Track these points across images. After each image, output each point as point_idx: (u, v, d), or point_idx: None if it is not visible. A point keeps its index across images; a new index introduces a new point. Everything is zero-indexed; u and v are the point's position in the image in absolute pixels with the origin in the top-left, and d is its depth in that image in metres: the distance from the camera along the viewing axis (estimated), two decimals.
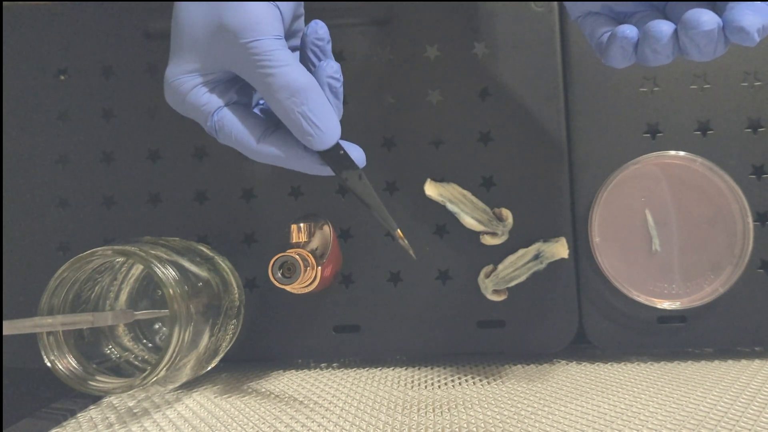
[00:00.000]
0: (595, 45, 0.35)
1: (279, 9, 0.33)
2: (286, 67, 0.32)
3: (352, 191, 0.35)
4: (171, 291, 0.35)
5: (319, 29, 0.35)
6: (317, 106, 0.32)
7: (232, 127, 0.35)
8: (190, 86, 0.34)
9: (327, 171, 0.35)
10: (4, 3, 0.48)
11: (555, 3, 0.45)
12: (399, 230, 0.36)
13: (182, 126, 0.47)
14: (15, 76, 0.48)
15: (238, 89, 0.35)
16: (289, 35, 0.37)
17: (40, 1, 0.48)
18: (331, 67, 0.34)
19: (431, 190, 0.44)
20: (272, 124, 0.35)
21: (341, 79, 0.35)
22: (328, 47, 0.35)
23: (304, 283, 0.38)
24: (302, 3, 0.37)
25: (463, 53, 0.46)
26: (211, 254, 0.43)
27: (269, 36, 0.32)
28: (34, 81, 0.48)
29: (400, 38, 0.46)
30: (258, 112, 0.36)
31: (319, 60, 0.35)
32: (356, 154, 0.35)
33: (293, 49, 0.37)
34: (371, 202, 0.35)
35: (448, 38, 0.46)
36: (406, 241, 0.37)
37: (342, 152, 0.34)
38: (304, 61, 0.35)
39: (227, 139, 0.35)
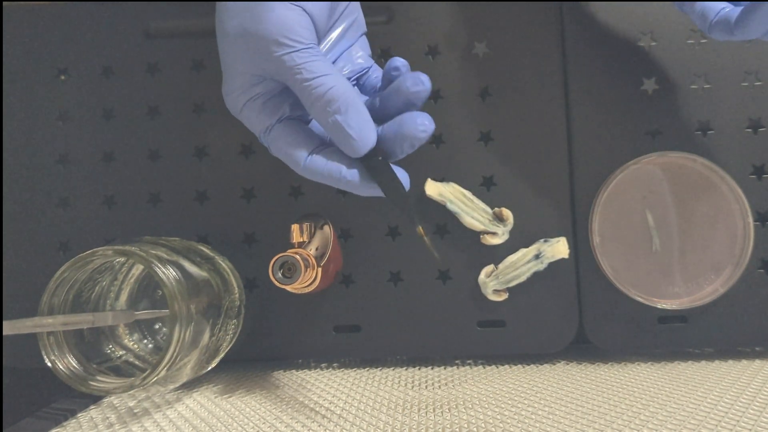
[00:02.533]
0: (712, 24, 0.34)
1: (308, 13, 0.32)
2: (320, 77, 0.31)
3: (389, 198, 0.34)
4: (171, 291, 0.35)
5: (424, 80, 0.33)
6: (350, 113, 0.31)
7: (281, 145, 0.34)
8: (242, 101, 0.34)
9: (374, 191, 0.34)
10: (4, 3, 0.48)
11: (555, 3, 0.45)
12: (421, 228, 0.35)
13: (182, 126, 0.47)
14: (15, 76, 0.48)
15: (292, 102, 0.35)
16: (331, 26, 0.36)
17: (40, 1, 0.48)
18: (423, 126, 0.32)
19: (431, 189, 0.44)
20: (320, 143, 0.34)
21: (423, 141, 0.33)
22: (425, 95, 0.34)
23: (305, 283, 0.38)
24: None
25: (463, 53, 0.46)
26: (211, 254, 0.43)
27: (299, 47, 0.31)
28: (34, 81, 0.48)
29: (400, 38, 0.46)
30: (315, 129, 0.36)
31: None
32: (401, 176, 0.34)
33: (339, 41, 0.36)
34: (402, 202, 0.34)
35: (448, 38, 0.46)
36: (428, 243, 0.36)
37: (380, 158, 0.33)
38: (384, 89, 0.34)
39: (279, 156, 0.35)
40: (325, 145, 0.34)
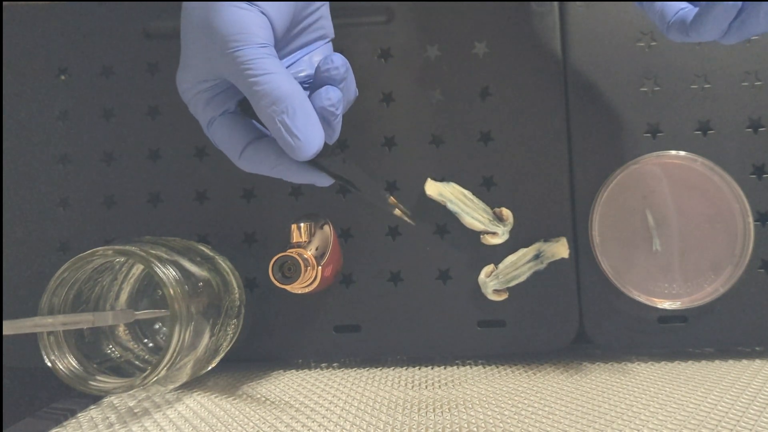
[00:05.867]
0: (670, 24, 0.34)
1: (267, 15, 0.33)
2: (268, 75, 0.31)
3: (339, 178, 0.35)
4: (171, 291, 0.35)
5: (335, 59, 0.33)
6: (297, 115, 0.31)
7: (220, 137, 0.35)
8: (191, 94, 0.35)
9: (305, 179, 0.35)
10: (4, 3, 0.48)
11: (555, 3, 0.45)
12: (392, 197, 0.37)
13: (182, 126, 0.47)
14: (15, 76, 0.48)
15: (237, 100, 0.35)
16: (296, 33, 0.36)
17: (40, 1, 0.48)
18: (328, 99, 0.33)
19: (432, 189, 0.44)
20: (258, 135, 0.35)
21: (338, 112, 0.34)
22: (334, 73, 0.34)
23: (305, 283, 0.38)
24: (311, 3, 0.36)
25: (463, 53, 0.46)
26: (211, 254, 0.43)
27: (253, 44, 0.31)
28: (34, 81, 0.48)
29: (400, 38, 0.46)
30: (257, 124, 0.36)
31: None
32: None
33: (302, 46, 0.37)
34: (360, 183, 0.36)
35: (448, 38, 0.46)
36: (401, 209, 0.38)
37: (329, 157, 0.34)
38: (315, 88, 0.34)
39: (220, 149, 0.36)
40: (261, 137, 0.35)
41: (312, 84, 0.35)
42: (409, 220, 0.40)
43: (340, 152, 0.35)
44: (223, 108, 0.35)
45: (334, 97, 0.33)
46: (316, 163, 0.35)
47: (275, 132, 0.32)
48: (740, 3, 0.31)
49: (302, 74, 0.36)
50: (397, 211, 0.38)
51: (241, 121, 0.35)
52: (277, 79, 0.31)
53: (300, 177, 0.35)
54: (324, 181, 0.36)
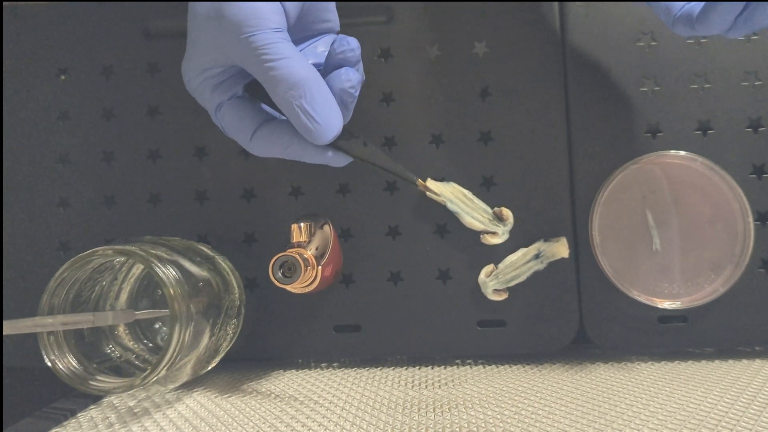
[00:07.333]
0: (676, 18, 0.34)
1: (280, 1, 0.32)
2: (285, 59, 0.31)
3: (361, 159, 0.35)
4: (171, 291, 0.35)
5: (351, 41, 0.34)
6: (315, 99, 0.31)
7: (230, 121, 0.35)
8: (198, 81, 0.35)
9: (319, 159, 0.35)
10: (4, 3, 0.48)
11: (555, 3, 0.45)
12: (420, 180, 0.37)
13: (182, 126, 0.47)
14: (15, 76, 0.48)
15: (245, 84, 0.35)
16: (305, 24, 0.36)
17: (40, 1, 0.48)
18: (348, 80, 0.33)
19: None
20: (268, 118, 0.35)
21: (356, 94, 0.34)
22: (350, 55, 0.34)
23: (305, 283, 0.38)
24: None
25: (463, 53, 0.46)
26: (211, 254, 0.43)
27: (268, 29, 0.31)
28: (34, 81, 0.48)
29: (400, 38, 0.46)
30: (265, 107, 0.36)
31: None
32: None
33: (309, 37, 0.37)
34: (384, 163, 0.35)
35: (448, 38, 0.46)
36: (429, 188, 0.38)
37: (350, 140, 0.34)
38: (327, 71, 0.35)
39: (230, 135, 0.35)
40: (271, 119, 0.35)
41: (325, 66, 0.35)
42: (437, 198, 0.40)
43: (359, 134, 0.35)
44: (231, 92, 0.35)
45: (354, 79, 0.33)
46: (335, 145, 0.34)
47: (293, 117, 0.32)
48: None
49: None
50: (423, 188, 0.38)
51: (250, 104, 0.35)
52: (294, 63, 0.31)
53: (314, 157, 0.35)
54: (339, 161, 0.36)
